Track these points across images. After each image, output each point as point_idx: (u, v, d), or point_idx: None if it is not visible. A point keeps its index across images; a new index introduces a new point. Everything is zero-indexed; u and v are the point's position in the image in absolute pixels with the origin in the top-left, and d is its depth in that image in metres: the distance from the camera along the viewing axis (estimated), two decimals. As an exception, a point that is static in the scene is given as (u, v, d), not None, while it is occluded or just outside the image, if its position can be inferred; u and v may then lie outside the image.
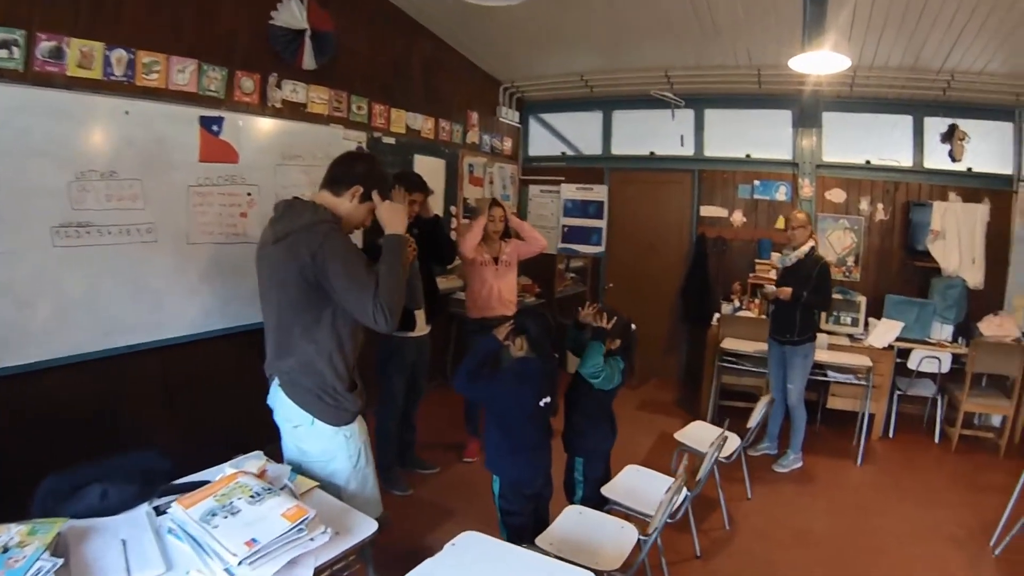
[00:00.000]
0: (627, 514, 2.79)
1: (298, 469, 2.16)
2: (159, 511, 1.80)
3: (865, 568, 3.25)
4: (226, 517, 1.63)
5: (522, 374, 2.62)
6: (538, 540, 2.44)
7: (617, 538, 2.51)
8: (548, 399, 2.66)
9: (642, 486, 3.01)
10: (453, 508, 3.62)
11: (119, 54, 2.99)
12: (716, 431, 3.77)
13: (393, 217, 2.20)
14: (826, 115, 5.80)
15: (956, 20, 4.12)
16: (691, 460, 2.74)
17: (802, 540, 3.50)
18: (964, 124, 5.41)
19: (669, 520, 2.77)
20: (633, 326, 3.14)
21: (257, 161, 3.71)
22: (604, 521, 2.63)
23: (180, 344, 3.39)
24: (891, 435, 5.05)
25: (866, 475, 4.45)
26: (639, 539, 2.50)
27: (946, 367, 4.85)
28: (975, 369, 4.72)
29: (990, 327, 4.95)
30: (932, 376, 5.01)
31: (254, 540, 1.54)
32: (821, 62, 4.03)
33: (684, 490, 2.85)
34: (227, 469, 1.98)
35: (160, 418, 3.39)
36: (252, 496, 1.72)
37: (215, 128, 3.43)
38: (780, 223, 5.96)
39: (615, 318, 2.95)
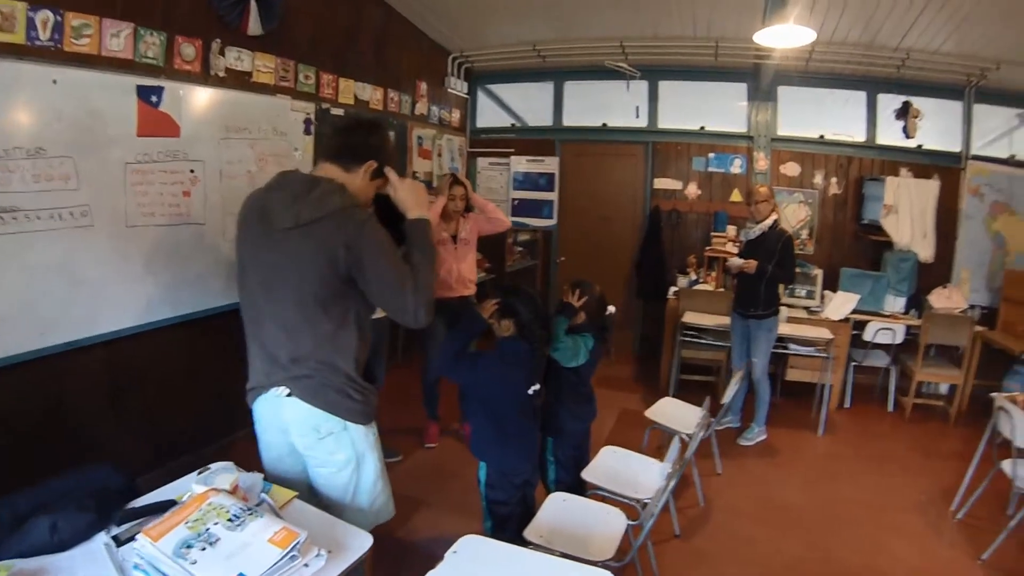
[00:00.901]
0: (609, 498, 2.73)
1: (308, 491, 1.98)
2: (119, 541, 1.57)
3: (839, 538, 3.31)
4: (204, 548, 1.42)
5: (510, 358, 2.48)
6: (527, 533, 2.35)
7: (606, 525, 2.45)
8: (537, 386, 2.55)
9: (621, 468, 2.97)
10: (424, 498, 3.49)
11: (44, 15, 2.63)
12: (684, 407, 3.81)
13: (417, 198, 1.99)
14: (781, 89, 5.82)
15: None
16: (684, 445, 2.67)
17: (776, 513, 3.54)
18: (915, 102, 5.51)
19: (649, 500, 2.74)
20: (612, 308, 3.03)
21: (200, 135, 3.40)
22: (589, 508, 2.57)
23: (124, 338, 3.10)
24: (847, 405, 5.20)
25: (828, 445, 4.56)
26: (628, 525, 2.46)
27: (900, 338, 4.99)
28: (928, 340, 4.87)
29: (940, 299, 5.11)
30: (886, 347, 5.14)
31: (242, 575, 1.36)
32: (785, 35, 4.00)
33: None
34: (195, 486, 1.77)
35: (107, 423, 3.12)
36: (230, 520, 1.52)
37: (154, 99, 3.10)
38: (736, 196, 6.01)
39: (587, 295, 2.85)
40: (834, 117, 5.81)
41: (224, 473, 1.87)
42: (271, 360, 1.92)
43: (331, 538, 1.63)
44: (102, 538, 1.59)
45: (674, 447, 2.61)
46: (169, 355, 3.40)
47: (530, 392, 2.52)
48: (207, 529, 1.48)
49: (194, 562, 1.38)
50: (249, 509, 1.57)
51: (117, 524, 1.63)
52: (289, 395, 1.89)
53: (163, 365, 3.38)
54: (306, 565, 1.47)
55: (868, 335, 5.01)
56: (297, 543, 1.46)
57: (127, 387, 3.21)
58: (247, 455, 2.12)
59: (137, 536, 1.49)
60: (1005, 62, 4.86)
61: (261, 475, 1.89)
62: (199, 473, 1.91)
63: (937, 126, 5.56)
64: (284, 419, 1.93)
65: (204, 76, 3.43)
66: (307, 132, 4.21)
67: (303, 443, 1.94)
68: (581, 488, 2.84)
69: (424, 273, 1.87)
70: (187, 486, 1.85)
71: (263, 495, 1.81)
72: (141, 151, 3.07)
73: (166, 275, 3.28)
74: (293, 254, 1.82)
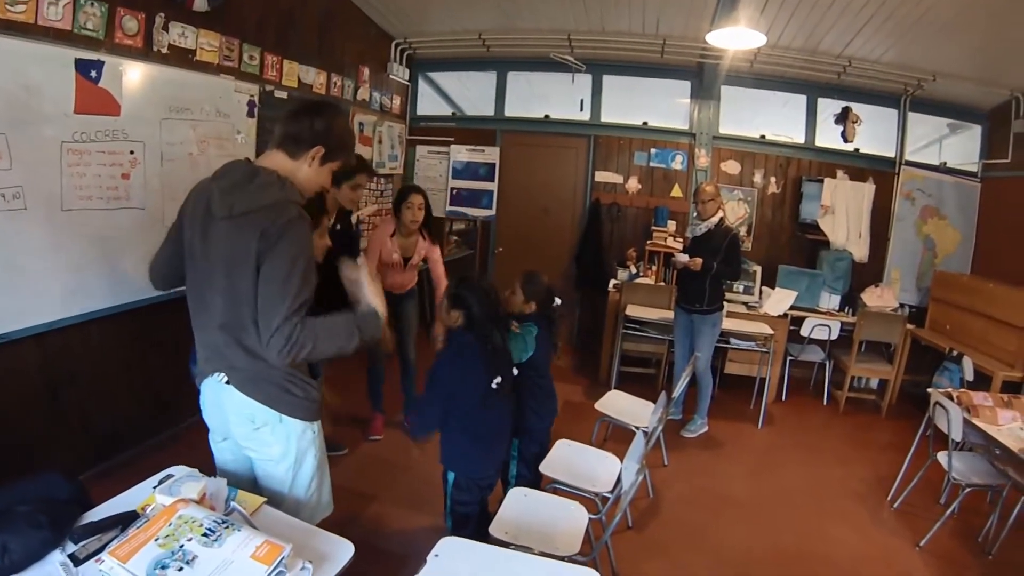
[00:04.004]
0: (567, 492, 2.74)
1: (250, 482, 1.93)
2: (77, 560, 1.44)
3: (785, 526, 3.43)
4: (181, 569, 1.33)
5: (463, 350, 2.45)
6: (491, 529, 2.33)
7: (568, 520, 2.47)
8: (500, 379, 2.50)
9: (577, 461, 2.99)
10: (371, 492, 3.43)
11: (-27, -22, 2.39)
12: (633, 400, 3.87)
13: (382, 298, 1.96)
14: (724, 88, 5.93)
15: (865, 9, 4.30)
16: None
17: (724, 503, 3.64)
18: (854, 107, 5.75)
19: (608, 495, 2.78)
20: (558, 300, 3.03)
21: (141, 114, 3.19)
22: (550, 503, 2.57)
23: (59, 330, 2.90)
24: (784, 398, 5.39)
25: (768, 437, 4.71)
26: (590, 519, 2.50)
27: (835, 334, 5.21)
28: (861, 337, 5.10)
29: (872, 298, 5.38)
30: (821, 343, 5.36)
31: (228, 598, 1.27)
32: (735, 37, 4.08)
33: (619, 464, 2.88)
34: (159, 497, 1.65)
35: (42, 420, 2.92)
36: (205, 534, 1.42)
37: (93, 74, 2.88)
38: (676, 191, 6.12)
39: (536, 284, 2.88)
40: (775, 118, 5.99)
41: (189, 480, 1.75)
42: (210, 347, 1.86)
43: (310, 547, 1.55)
44: (57, 557, 1.45)
45: (639, 442, 2.63)
46: (106, 348, 3.21)
47: (493, 386, 2.48)
48: (181, 546, 1.39)
49: (173, 585, 1.28)
50: (223, 521, 1.48)
51: (73, 541, 1.49)
52: (228, 383, 1.84)
53: (100, 358, 3.19)
54: (292, 581, 1.39)
55: (805, 331, 5.21)
56: (282, 557, 1.38)
57: (62, 382, 3.01)
58: (191, 449, 2.06)
59: (103, 556, 1.37)
60: (941, 75, 5.12)
61: (224, 480, 1.79)
62: (160, 481, 1.79)
63: (873, 131, 5.82)
64: (224, 406, 1.88)
65: (146, 52, 3.22)
66: (250, 115, 4.04)
67: (239, 432, 1.90)
68: (538, 482, 2.85)
69: (331, 332, 1.77)
70: (144, 494, 1.74)
71: (232, 503, 1.72)
72: (78, 129, 2.85)
73: (103, 263, 3.08)
74: (227, 244, 1.74)
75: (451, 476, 2.53)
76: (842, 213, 5.58)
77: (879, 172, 5.77)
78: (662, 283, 5.64)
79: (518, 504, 2.51)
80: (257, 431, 1.86)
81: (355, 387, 4.27)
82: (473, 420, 2.47)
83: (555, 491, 2.73)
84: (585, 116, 6.27)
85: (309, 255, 1.77)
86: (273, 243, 1.67)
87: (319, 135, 1.83)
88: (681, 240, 5.52)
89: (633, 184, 6.23)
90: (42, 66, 2.66)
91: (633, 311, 5.08)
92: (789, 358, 5.33)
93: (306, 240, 1.75)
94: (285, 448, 1.89)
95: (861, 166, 5.82)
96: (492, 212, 6.60)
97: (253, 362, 1.79)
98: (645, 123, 6.19)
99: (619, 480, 2.78)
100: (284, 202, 1.73)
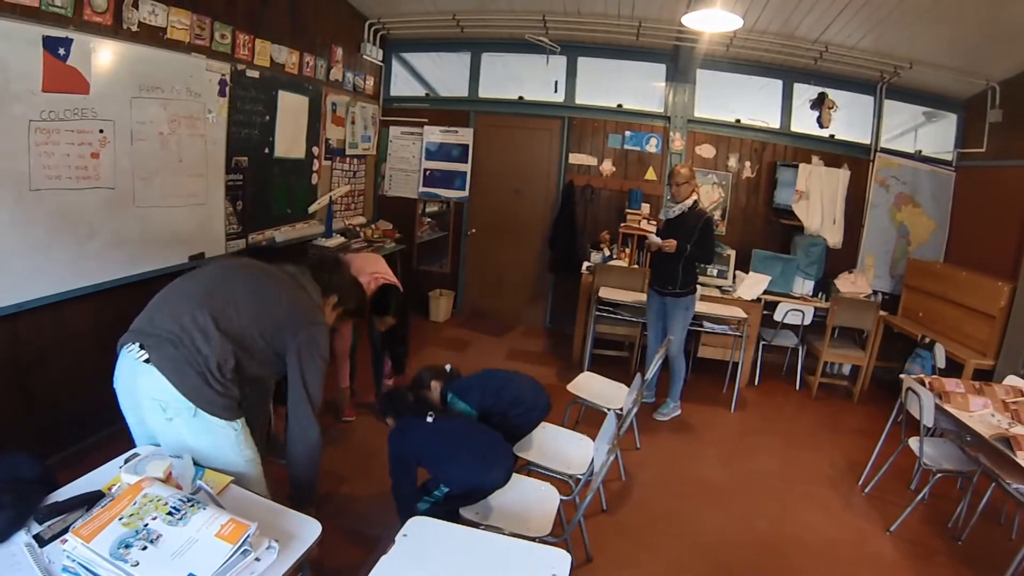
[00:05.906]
0: (539, 473, 2.78)
1: None
2: (42, 540, 1.43)
3: (757, 511, 3.46)
4: (145, 548, 1.31)
5: (401, 433, 2.59)
6: (462, 509, 2.35)
7: (540, 501, 2.49)
8: (432, 415, 2.60)
9: (550, 443, 3.00)
10: (341, 473, 3.42)
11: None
12: (605, 382, 3.89)
13: None
14: (700, 72, 5.92)
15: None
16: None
17: (695, 487, 3.67)
18: (830, 93, 5.76)
19: (581, 476, 2.80)
20: (448, 366, 3.16)
21: (111, 92, 3.14)
22: (522, 484, 2.58)
23: (28, 311, 2.85)
24: (757, 383, 5.45)
25: (741, 421, 4.75)
26: (562, 500, 2.53)
27: (808, 320, 5.27)
28: (834, 323, 5.16)
29: (845, 284, 5.45)
30: (794, 328, 5.42)
31: (192, 576, 1.27)
32: (712, 20, 4.07)
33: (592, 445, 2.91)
34: (124, 476, 1.64)
35: (13, 404, 2.88)
36: (170, 513, 1.41)
37: (62, 51, 2.81)
38: (651, 174, 6.12)
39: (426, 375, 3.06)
40: (751, 103, 6.00)
41: (155, 459, 1.75)
42: (152, 316, 1.93)
43: (277, 527, 1.56)
44: (22, 538, 1.44)
45: (610, 424, 2.64)
46: (77, 328, 3.18)
47: (428, 419, 2.59)
48: (145, 525, 1.38)
49: (136, 564, 1.28)
50: (189, 499, 1.48)
51: (38, 521, 1.49)
52: (147, 360, 1.82)
53: (71, 339, 3.16)
54: (257, 559, 1.39)
55: (778, 315, 5.27)
56: (247, 536, 1.38)
57: (31, 364, 2.97)
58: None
59: (66, 536, 1.36)
60: (918, 63, 5.14)
61: (191, 459, 1.79)
62: (126, 460, 1.78)
63: (849, 118, 5.85)
64: (138, 387, 1.86)
65: (116, 29, 3.15)
66: (222, 94, 3.98)
67: (153, 420, 1.87)
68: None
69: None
70: (111, 474, 1.74)
71: (198, 481, 1.71)
72: (47, 108, 2.79)
73: (72, 243, 3.03)
74: (269, 277, 2.13)
75: (440, 491, 2.48)
76: (816, 199, 5.61)
77: (854, 159, 5.82)
78: (635, 266, 5.66)
79: (488, 486, 2.53)
80: (170, 423, 1.83)
81: (327, 370, 4.27)
82: (461, 440, 2.55)
83: (528, 473, 2.74)
84: (559, 98, 6.25)
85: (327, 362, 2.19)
86: (312, 344, 2.08)
87: (335, 287, 2.33)
88: (655, 223, 5.51)
89: (607, 166, 6.23)
90: (9, 43, 2.60)
91: (606, 294, 5.08)
92: (762, 343, 5.39)
93: (327, 348, 2.18)
94: (210, 442, 1.87)
95: (836, 152, 5.85)
96: (465, 193, 6.57)
97: (189, 342, 1.84)
98: (620, 105, 6.17)
99: (593, 462, 2.81)
100: (320, 306, 2.24)
